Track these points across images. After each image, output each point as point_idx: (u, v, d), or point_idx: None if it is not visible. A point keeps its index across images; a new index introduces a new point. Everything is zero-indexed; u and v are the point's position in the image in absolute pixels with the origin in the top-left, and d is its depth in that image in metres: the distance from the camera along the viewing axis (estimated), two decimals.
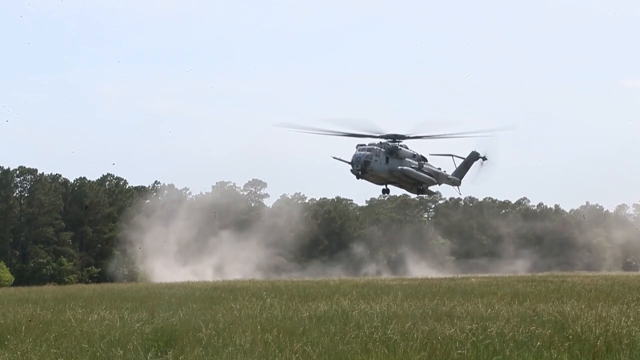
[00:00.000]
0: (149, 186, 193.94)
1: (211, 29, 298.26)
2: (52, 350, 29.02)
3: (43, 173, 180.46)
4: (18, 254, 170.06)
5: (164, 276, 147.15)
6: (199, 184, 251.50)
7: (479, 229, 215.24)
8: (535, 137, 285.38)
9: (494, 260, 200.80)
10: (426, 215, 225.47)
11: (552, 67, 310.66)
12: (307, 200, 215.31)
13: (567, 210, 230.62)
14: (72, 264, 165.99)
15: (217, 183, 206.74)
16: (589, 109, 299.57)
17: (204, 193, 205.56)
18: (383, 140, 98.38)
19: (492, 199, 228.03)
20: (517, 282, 75.17)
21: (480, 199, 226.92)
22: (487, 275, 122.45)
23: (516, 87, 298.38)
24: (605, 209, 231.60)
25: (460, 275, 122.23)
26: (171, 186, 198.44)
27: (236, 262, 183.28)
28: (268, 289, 66.14)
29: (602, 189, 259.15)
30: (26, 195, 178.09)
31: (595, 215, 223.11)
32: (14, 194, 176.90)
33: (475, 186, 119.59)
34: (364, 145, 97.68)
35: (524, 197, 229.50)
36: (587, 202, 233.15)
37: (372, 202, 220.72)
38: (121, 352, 28.43)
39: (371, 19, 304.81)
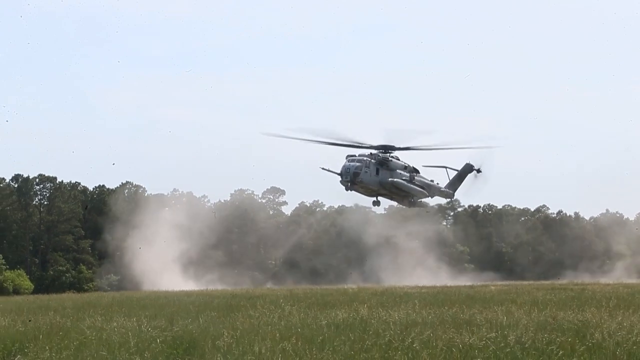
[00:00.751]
0: (168, 194, 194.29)
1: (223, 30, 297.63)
2: (72, 358, 29.04)
3: (62, 181, 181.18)
4: (38, 261, 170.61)
5: (181, 284, 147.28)
6: (217, 191, 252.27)
7: (498, 237, 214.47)
8: (553, 144, 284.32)
9: (513, 267, 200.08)
10: (445, 223, 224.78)
11: (571, 73, 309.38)
12: (325, 208, 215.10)
13: (587, 218, 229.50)
14: (91, 271, 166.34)
15: (235, 191, 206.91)
16: (609, 115, 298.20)
17: (222, 201, 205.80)
18: (373, 151, 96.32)
19: (511, 206, 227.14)
20: (536, 290, 74.81)
21: (500, 207, 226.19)
22: (507, 283, 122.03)
23: (535, 91, 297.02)
24: (625, 217, 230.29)
25: (479, 283, 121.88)
26: (190, 194, 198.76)
27: (253, 270, 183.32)
28: (286, 296, 66.08)
29: (621, 195, 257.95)
30: (46, 203, 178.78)
31: (615, 222, 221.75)
32: (34, 202, 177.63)
33: (469, 198, 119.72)
34: (354, 156, 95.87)
35: (544, 205, 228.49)
36: (607, 210, 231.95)
37: (390, 210, 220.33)
38: (140, 359, 28.43)
39: (371, 20, 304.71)
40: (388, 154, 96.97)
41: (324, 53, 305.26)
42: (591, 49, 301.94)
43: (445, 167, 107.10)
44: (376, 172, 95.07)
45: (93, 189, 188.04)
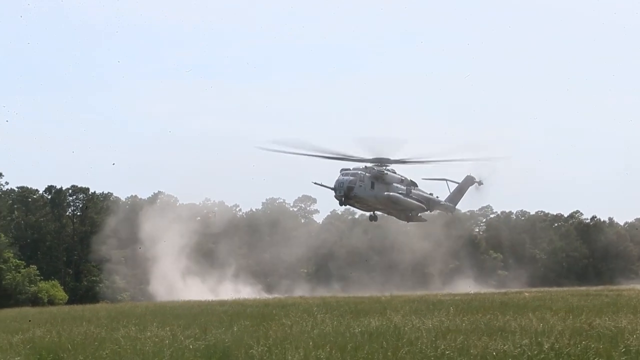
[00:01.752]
0: (199, 203, 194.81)
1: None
2: None
3: (95, 192, 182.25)
4: (71, 272, 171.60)
5: (213, 293, 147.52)
6: (248, 200, 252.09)
7: (532, 243, 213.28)
8: (586, 149, 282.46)
9: (547, 274, 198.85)
10: (477, 230, 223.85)
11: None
12: (357, 216, 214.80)
13: (622, 223, 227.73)
14: (124, 281, 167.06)
15: (266, 199, 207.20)
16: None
17: (254, 210, 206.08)
18: (368, 165, 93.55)
19: (544, 212, 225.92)
20: (571, 296, 74.25)
21: (532, 213, 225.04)
22: (540, 289, 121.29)
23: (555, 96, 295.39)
24: None
25: (512, 290, 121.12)
26: (221, 203, 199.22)
27: (286, 279, 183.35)
28: (319, 305, 65.99)
29: None
30: (79, 214, 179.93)
31: None
32: (67, 213, 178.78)
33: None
34: (349, 169, 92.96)
35: (577, 210, 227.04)
36: None
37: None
38: None
39: (371, 19, 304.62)
40: (384, 167, 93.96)
41: (325, 54, 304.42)
42: (617, 52, 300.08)
43: (446, 180, 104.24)
44: (371, 186, 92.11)
45: (125, 199, 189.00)
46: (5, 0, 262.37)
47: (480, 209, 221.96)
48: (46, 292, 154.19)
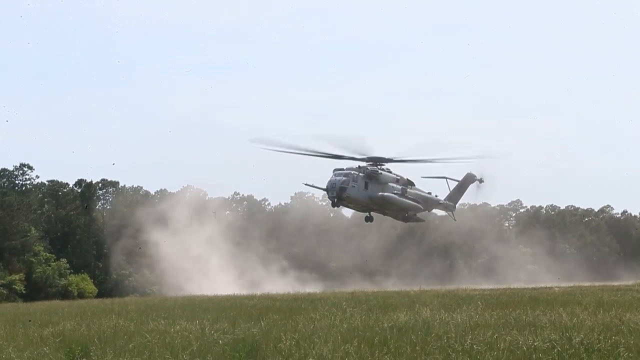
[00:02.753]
0: (228, 197, 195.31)
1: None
2: None
3: (125, 185, 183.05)
4: (101, 265, 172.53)
5: (242, 287, 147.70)
6: (277, 194, 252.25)
7: (562, 238, 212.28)
8: (617, 144, 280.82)
9: (577, 268, 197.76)
10: (507, 224, 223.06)
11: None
12: None
13: None
14: (153, 275, 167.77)
15: (295, 194, 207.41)
16: None
17: (283, 204, 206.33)
18: (362, 164, 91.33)
19: (574, 207, 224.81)
20: (601, 291, 73.74)
21: (562, 207, 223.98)
22: (570, 284, 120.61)
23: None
24: None
25: (542, 285, 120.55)
26: (250, 197, 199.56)
27: (314, 273, 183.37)
28: (348, 299, 65.95)
29: None
30: (108, 207, 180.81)
31: None
32: (97, 207, 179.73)
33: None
34: (342, 169, 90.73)
35: (608, 205, 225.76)
36: None
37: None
38: None
39: (371, 19, 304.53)
40: (378, 166, 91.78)
41: (326, 53, 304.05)
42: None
43: (445, 178, 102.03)
44: (365, 186, 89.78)
45: (155, 192, 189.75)
46: (5, 0, 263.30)
47: (509, 204, 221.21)
48: (76, 286, 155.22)
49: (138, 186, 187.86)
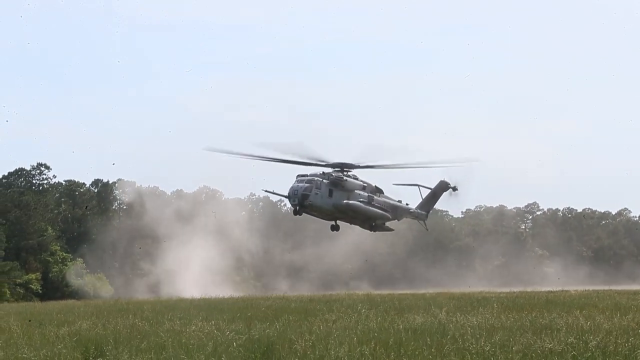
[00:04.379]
0: (244, 198, 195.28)
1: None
2: None
3: (141, 185, 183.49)
4: (117, 265, 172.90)
5: (257, 287, 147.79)
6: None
7: (578, 240, 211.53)
8: (634, 145, 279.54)
9: (593, 272, 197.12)
10: (523, 227, 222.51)
11: None
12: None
13: None
14: (169, 274, 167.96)
15: None
16: None
17: None
18: (327, 170, 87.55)
19: (591, 209, 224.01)
20: (618, 295, 73.42)
21: (579, 210, 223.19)
22: (587, 287, 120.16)
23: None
24: None
25: (558, 288, 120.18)
26: (266, 198, 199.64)
27: (329, 274, 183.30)
28: (363, 301, 65.90)
29: None
30: (124, 207, 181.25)
31: None
32: (113, 207, 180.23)
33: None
34: (305, 175, 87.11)
35: (625, 208, 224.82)
36: None
37: (468, 214, 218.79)
38: None
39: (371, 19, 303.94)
40: (345, 173, 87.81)
41: (326, 53, 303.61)
42: None
43: (418, 185, 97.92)
44: (329, 194, 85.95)
45: (171, 193, 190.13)
46: (5, 0, 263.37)
47: (526, 206, 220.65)
48: (92, 285, 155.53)
49: (154, 186, 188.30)
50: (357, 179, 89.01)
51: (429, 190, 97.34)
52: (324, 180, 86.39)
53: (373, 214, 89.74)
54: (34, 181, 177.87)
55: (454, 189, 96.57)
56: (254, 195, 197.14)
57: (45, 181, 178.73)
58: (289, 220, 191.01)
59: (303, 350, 30.47)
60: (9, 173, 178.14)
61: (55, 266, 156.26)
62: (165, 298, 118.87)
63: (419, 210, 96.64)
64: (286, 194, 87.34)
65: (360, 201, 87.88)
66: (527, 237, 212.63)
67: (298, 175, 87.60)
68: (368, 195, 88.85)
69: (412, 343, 31.66)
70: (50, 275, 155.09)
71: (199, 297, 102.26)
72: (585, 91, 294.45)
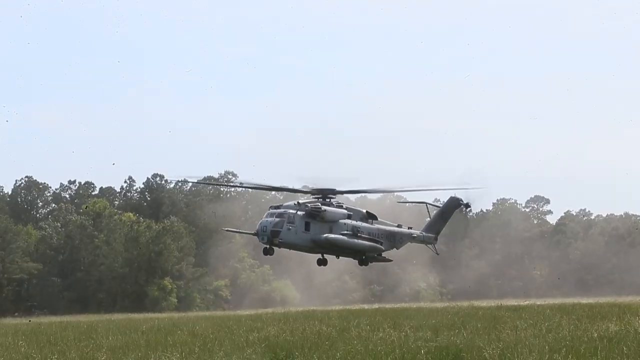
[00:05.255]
0: None
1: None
2: None
3: None
4: (303, 272, 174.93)
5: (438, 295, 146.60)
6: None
7: None
8: None
9: None
10: None
11: None
12: (593, 217, 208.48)
13: None
14: (354, 281, 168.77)
15: (497, 200, 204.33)
16: None
17: (485, 210, 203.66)
18: (303, 200, 77.32)
19: None
20: None
21: None
22: None
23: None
24: None
25: None
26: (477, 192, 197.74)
27: (518, 281, 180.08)
28: (552, 308, 64.19)
29: None
30: None
31: None
32: None
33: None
34: (278, 207, 77.10)
35: None
36: None
37: None
38: None
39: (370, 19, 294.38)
40: (327, 200, 77.78)
41: (327, 52, 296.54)
42: None
43: (425, 203, 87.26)
44: (305, 227, 75.24)
45: (355, 199, 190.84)
46: (5, 0, 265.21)
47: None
48: (279, 292, 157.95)
49: None
50: (341, 206, 79.33)
51: (437, 209, 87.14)
52: (298, 212, 75.97)
53: (361, 247, 78.88)
54: (222, 189, 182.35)
55: (467, 205, 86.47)
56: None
57: (233, 189, 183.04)
58: (474, 226, 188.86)
59: (492, 358, 29.75)
60: (197, 181, 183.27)
61: (243, 273, 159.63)
62: (351, 305, 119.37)
63: (424, 234, 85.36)
64: (254, 231, 77.75)
65: (343, 233, 77.65)
66: None
67: (270, 207, 78.79)
68: (353, 226, 78.77)
69: (607, 352, 30.41)
70: (238, 281, 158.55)
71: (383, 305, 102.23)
72: (569, 90, 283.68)
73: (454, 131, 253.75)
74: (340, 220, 77.70)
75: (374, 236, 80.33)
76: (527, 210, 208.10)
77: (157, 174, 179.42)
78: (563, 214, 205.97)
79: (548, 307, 65.07)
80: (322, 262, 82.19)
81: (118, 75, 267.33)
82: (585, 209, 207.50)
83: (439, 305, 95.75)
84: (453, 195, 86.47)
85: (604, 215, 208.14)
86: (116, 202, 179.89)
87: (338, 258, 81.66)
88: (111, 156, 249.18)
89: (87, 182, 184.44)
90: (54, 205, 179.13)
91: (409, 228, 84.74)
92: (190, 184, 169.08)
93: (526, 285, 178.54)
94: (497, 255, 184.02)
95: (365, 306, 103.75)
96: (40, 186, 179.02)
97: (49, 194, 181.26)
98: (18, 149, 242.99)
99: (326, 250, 78.79)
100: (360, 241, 78.51)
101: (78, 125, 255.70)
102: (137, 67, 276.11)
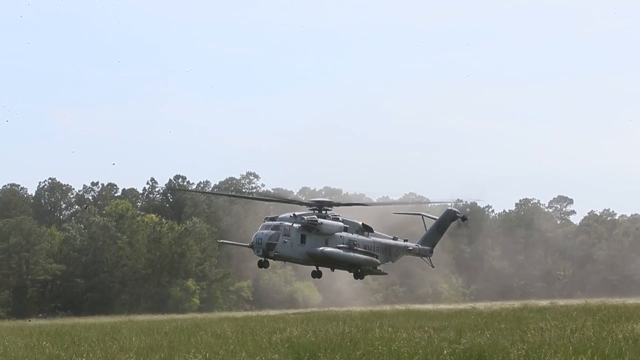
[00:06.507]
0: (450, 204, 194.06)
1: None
2: None
3: (347, 192, 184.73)
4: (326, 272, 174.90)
5: (464, 296, 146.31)
6: (501, 201, 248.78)
7: None
8: None
9: None
10: None
11: None
12: (617, 217, 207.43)
13: None
14: (377, 282, 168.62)
15: (520, 200, 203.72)
16: None
17: (507, 211, 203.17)
18: (298, 213, 77.34)
19: None
20: None
21: None
22: None
23: None
24: None
25: None
26: (474, 204, 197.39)
27: (541, 281, 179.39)
28: (577, 308, 63.83)
29: None
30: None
31: None
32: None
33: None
34: (274, 219, 76.80)
35: None
36: None
37: None
38: None
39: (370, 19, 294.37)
40: (324, 212, 77.60)
41: (328, 51, 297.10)
42: None
43: (422, 215, 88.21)
44: (301, 240, 74.91)
45: (377, 199, 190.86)
46: (5, 0, 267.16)
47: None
48: (301, 292, 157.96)
49: (360, 194, 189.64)
50: (338, 218, 78.92)
51: (434, 221, 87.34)
52: (295, 225, 75.53)
53: (356, 261, 78.66)
54: (244, 190, 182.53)
55: (463, 218, 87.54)
56: (461, 201, 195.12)
57: (254, 190, 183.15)
58: (496, 227, 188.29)
59: (517, 359, 29.61)
60: (219, 182, 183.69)
61: (265, 274, 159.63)
62: (372, 306, 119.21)
63: (420, 246, 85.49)
64: (249, 243, 77.21)
65: (340, 247, 77.55)
66: None
67: (266, 218, 78.34)
68: (349, 239, 78.60)
69: (633, 353, 30.21)
70: (260, 282, 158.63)
71: (405, 305, 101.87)
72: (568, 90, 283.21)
73: (470, 132, 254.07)
74: (337, 233, 77.44)
75: (369, 249, 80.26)
76: (551, 210, 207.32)
77: (179, 175, 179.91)
78: (587, 214, 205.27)
79: (572, 308, 64.74)
80: (316, 274, 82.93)
81: (118, 75, 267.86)
82: (609, 209, 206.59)
83: (461, 306, 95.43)
84: (450, 208, 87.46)
85: (628, 215, 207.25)
86: (138, 204, 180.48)
87: (333, 271, 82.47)
88: (133, 158, 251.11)
89: (109, 184, 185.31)
90: (77, 207, 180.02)
91: (404, 240, 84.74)
92: (207, 188, 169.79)
93: (550, 286, 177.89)
94: (520, 256, 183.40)
95: (388, 307, 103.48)
96: (64, 188, 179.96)
97: (72, 196, 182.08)
98: (41, 151, 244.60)
99: (322, 263, 78.89)
100: (356, 255, 78.45)
101: (100, 126, 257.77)
102: (152, 68, 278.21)
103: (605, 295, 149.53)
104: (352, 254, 78.71)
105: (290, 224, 75.53)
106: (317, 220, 76.28)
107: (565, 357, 29.28)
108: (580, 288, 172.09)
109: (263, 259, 75.64)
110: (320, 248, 76.39)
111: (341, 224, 78.77)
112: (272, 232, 74.88)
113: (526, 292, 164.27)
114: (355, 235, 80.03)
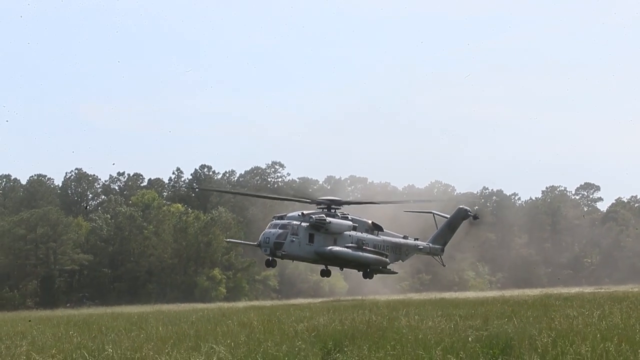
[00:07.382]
0: (477, 192, 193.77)
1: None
2: (389, 357, 29.08)
3: (373, 181, 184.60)
4: None
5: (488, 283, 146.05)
6: (527, 189, 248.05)
7: None
8: None
9: None
10: None
11: None
12: None
13: None
14: (402, 270, 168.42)
15: (547, 187, 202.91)
16: None
17: (534, 198, 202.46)
18: (306, 211, 75.63)
19: None
20: None
21: None
22: None
23: None
24: None
25: None
26: (500, 192, 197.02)
27: (567, 269, 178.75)
28: (604, 296, 63.60)
29: None
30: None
31: None
32: None
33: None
34: (282, 217, 75.59)
35: None
36: None
37: None
38: (455, 359, 28.04)
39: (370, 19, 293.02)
40: (333, 211, 76.22)
41: (327, 51, 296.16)
42: None
43: (433, 213, 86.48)
44: (309, 239, 73.68)
45: (402, 188, 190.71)
46: (5, 0, 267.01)
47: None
48: (327, 281, 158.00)
49: (385, 182, 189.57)
50: (347, 217, 77.73)
51: (445, 220, 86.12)
52: (303, 224, 74.44)
53: (365, 260, 77.54)
54: (269, 179, 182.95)
55: (475, 217, 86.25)
56: (487, 189, 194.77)
57: (280, 179, 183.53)
58: (522, 216, 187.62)
59: (544, 346, 29.50)
60: (245, 172, 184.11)
61: (291, 262, 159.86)
62: (397, 295, 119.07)
63: (431, 245, 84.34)
64: (257, 242, 76.28)
65: (348, 246, 76.49)
66: None
67: (274, 217, 77.14)
68: (358, 238, 77.54)
69: None
70: (286, 271, 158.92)
71: (430, 294, 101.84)
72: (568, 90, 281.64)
73: (497, 120, 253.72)
74: (345, 232, 76.53)
75: (379, 248, 79.27)
76: (577, 197, 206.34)
77: (204, 165, 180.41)
78: (614, 201, 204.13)
79: (599, 296, 64.47)
80: (325, 273, 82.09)
81: (118, 74, 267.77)
82: (636, 196, 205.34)
83: (488, 294, 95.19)
84: (461, 206, 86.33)
85: None
86: (164, 194, 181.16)
87: (342, 270, 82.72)
88: (159, 148, 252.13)
89: (135, 174, 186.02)
90: (103, 197, 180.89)
91: (415, 239, 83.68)
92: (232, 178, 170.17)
93: (577, 273, 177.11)
94: (547, 243, 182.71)
95: (414, 295, 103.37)
96: (90, 178, 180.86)
97: (98, 186, 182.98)
98: (68, 142, 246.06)
99: (330, 263, 77.80)
100: (365, 254, 77.35)
101: (126, 117, 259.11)
102: (137, 67, 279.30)
103: (633, 282, 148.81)
104: (360, 253, 77.72)
105: (299, 222, 74.69)
106: (325, 219, 75.31)
107: (593, 344, 29.09)
108: (607, 275, 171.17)
109: (271, 258, 74.64)
110: (329, 247, 75.46)
111: (350, 222, 77.73)
112: (280, 231, 74.00)
113: (553, 280, 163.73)
114: (364, 235, 79.06)
